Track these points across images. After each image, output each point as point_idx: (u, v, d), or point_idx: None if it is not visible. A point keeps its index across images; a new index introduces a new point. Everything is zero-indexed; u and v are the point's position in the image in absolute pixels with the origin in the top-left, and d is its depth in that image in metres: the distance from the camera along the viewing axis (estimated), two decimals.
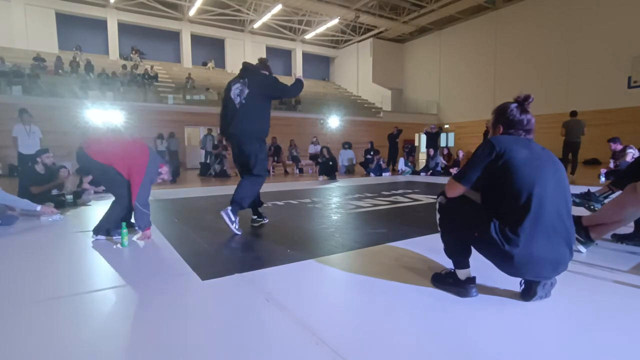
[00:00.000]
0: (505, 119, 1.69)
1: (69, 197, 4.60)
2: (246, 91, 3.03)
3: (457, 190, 1.66)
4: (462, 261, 1.70)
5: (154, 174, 2.90)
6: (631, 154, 6.18)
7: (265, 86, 3.09)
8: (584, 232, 2.35)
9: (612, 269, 2.07)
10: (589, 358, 1.19)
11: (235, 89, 3.07)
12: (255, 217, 3.41)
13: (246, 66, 3.18)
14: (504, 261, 1.51)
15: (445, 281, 1.77)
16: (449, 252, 1.76)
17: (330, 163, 9.26)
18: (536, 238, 1.45)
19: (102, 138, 2.99)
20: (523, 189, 1.46)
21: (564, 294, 1.68)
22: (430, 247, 2.48)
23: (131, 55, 18.33)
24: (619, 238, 2.58)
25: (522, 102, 1.68)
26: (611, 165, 7.01)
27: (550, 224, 1.47)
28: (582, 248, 2.35)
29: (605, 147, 7.94)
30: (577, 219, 2.39)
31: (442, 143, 18.61)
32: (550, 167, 1.54)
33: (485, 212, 1.58)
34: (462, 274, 1.70)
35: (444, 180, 7.95)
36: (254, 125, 3.10)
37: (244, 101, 3.03)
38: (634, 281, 1.87)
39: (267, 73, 3.21)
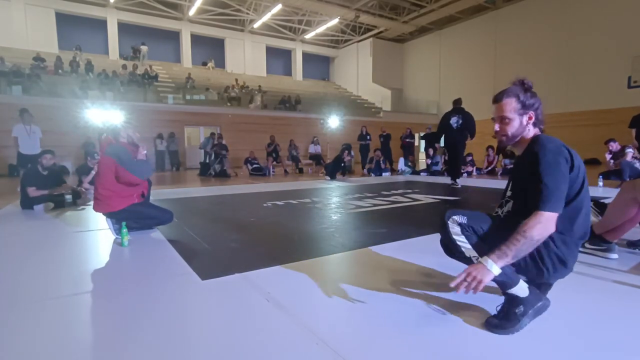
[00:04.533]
0: (538, 104, 1.47)
1: (69, 197, 4.60)
2: (460, 121, 6.40)
3: (552, 225, 1.31)
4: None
5: (126, 155, 2.92)
6: (631, 154, 6.18)
7: (467, 121, 6.45)
8: (599, 239, 2.30)
9: (612, 269, 2.07)
10: (589, 358, 1.20)
11: (454, 119, 6.44)
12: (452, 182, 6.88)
13: (457, 107, 6.53)
14: (559, 271, 1.41)
15: (516, 316, 1.36)
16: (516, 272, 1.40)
17: (342, 164, 9.12)
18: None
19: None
20: (585, 204, 1.40)
21: (564, 294, 1.68)
22: (431, 247, 2.47)
23: (140, 46, 18.30)
24: (630, 244, 2.47)
25: (530, 88, 1.49)
26: (611, 164, 7.00)
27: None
28: (611, 255, 2.25)
29: (604, 147, 7.93)
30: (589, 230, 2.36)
31: (442, 143, 18.55)
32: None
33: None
34: (520, 290, 1.37)
35: (443, 180, 7.94)
36: (463, 139, 6.58)
37: (459, 126, 6.43)
38: (634, 281, 1.87)
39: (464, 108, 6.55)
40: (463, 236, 1.43)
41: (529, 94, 1.45)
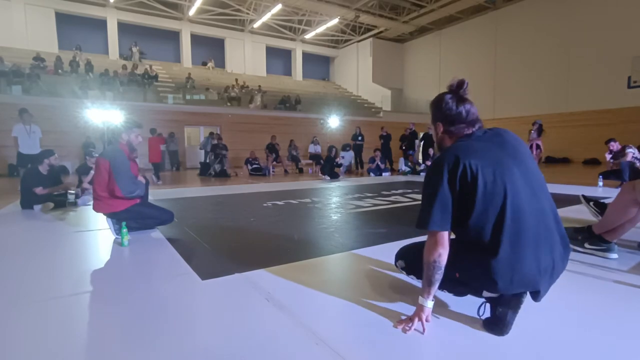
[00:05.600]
0: (443, 114, 1.43)
1: (71, 197, 4.61)
2: None
3: (435, 244, 1.31)
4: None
5: (122, 164, 2.86)
6: (631, 154, 6.18)
7: None
8: (598, 239, 2.29)
9: (612, 269, 2.07)
10: (588, 358, 1.20)
11: None
12: None
13: None
14: (494, 288, 1.30)
15: (497, 316, 1.36)
16: (458, 292, 1.48)
17: (334, 163, 9.23)
18: (523, 257, 1.24)
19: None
20: (489, 206, 1.24)
21: (564, 294, 1.68)
22: None
23: (132, 47, 18.29)
24: None
25: (457, 90, 1.44)
26: (611, 164, 7.01)
27: (532, 233, 1.25)
28: (610, 255, 2.24)
29: (604, 147, 7.94)
30: (589, 229, 2.34)
31: None
32: (511, 164, 1.29)
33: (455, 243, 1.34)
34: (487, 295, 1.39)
35: None
36: None
37: None
38: (634, 281, 1.87)
39: None
40: (412, 276, 1.62)
41: (446, 100, 1.43)
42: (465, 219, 1.29)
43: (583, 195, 2.95)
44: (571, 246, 2.16)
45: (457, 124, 1.41)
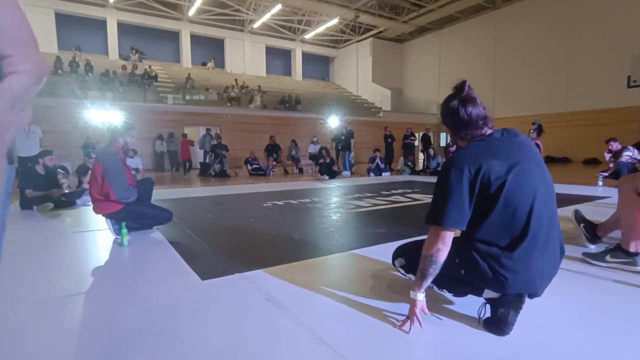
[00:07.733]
0: (446, 120, 1.42)
1: (64, 184, 4.64)
2: None
3: (437, 239, 1.30)
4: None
5: (116, 169, 2.87)
6: (626, 155, 6.20)
7: None
8: (621, 250, 2.05)
9: (613, 269, 2.06)
10: (588, 357, 1.20)
11: None
12: None
13: None
14: (500, 287, 1.31)
15: (498, 317, 1.35)
16: (458, 292, 1.47)
17: (327, 162, 9.30)
18: (534, 257, 1.26)
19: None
20: (510, 206, 1.25)
21: (564, 293, 1.68)
22: None
23: (130, 54, 18.32)
24: None
25: (458, 94, 1.39)
26: (610, 166, 7.01)
27: (544, 234, 1.28)
28: (590, 245, 2.26)
29: (604, 147, 7.93)
30: (618, 246, 2.10)
31: (442, 143, 18.63)
32: (533, 166, 1.31)
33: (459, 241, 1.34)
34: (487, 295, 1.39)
35: None
36: None
37: None
38: (634, 281, 1.87)
39: None
40: (410, 274, 1.58)
41: (448, 105, 1.40)
42: (480, 218, 1.28)
43: (576, 211, 2.81)
44: (591, 261, 2.10)
45: (463, 129, 1.38)
